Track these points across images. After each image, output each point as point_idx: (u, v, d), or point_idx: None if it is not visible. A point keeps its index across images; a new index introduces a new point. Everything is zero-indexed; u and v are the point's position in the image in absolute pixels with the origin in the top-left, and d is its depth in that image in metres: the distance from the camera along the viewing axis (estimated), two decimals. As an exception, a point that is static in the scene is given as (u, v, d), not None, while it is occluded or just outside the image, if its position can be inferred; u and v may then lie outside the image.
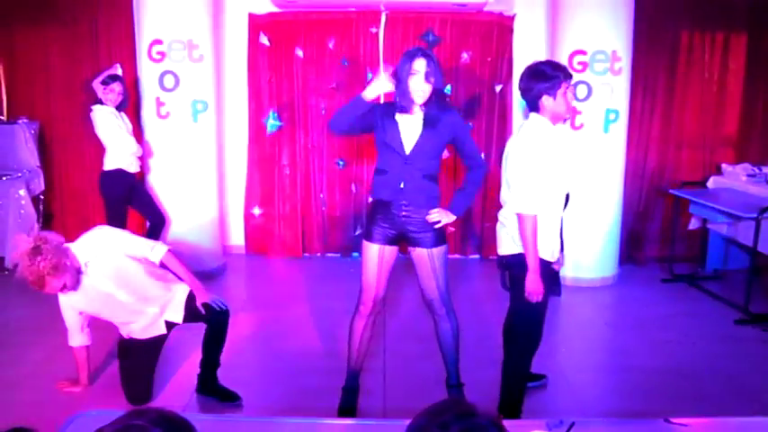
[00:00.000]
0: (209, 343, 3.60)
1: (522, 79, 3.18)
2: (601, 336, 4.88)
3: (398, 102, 3.21)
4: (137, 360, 3.65)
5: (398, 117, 3.25)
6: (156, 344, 3.69)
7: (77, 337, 3.61)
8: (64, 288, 3.28)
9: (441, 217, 3.30)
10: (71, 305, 3.49)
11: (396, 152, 3.26)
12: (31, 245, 3.15)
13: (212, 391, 3.66)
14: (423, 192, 3.29)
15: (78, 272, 3.33)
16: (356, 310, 3.50)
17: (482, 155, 3.49)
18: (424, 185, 3.29)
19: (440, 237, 3.37)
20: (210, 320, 3.56)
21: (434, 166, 3.32)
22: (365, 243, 3.42)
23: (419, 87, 3.15)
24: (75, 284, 3.34)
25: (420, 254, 3.37)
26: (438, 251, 3.36)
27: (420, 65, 3.13)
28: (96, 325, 3.68)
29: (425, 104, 3.21)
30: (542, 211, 3.10)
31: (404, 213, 3.31)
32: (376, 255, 3.39)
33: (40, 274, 3.12)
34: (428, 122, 3.22)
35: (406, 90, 3.17)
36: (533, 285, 3.11)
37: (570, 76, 3.14)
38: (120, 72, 5.43)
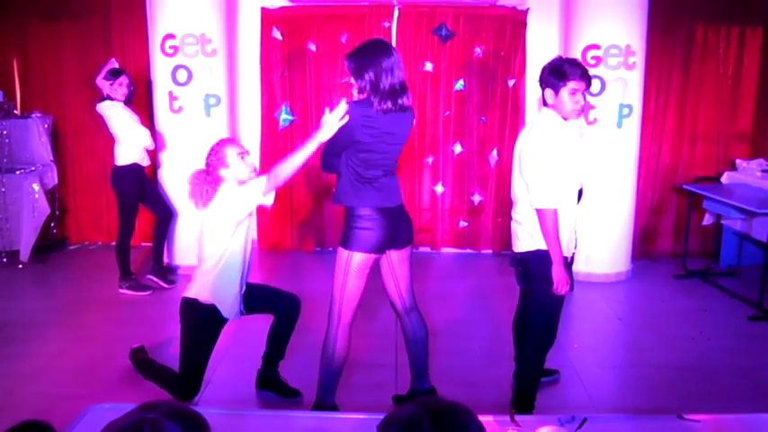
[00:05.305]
0: (277, 335, 3.58)
1: (541, 70, 3.21)
2: (613, 331, 4.85)
3: None
4: (196, 354, 3.36)
5: None
6: (213, 336, 3.43)
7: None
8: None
9: None
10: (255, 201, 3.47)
11: None
12: None
13: (273, 385, 3.63)
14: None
15: None
16: None
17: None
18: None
19: (343, 237, 3.24)
20: (280, 309, 3.58)
21: (338, 164, 3.36)
22: None
23: None
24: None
25: None
26: (338, 251, 3.25)
27: None
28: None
29: None
30: (559, 205, 3.09)
31: None
32: None
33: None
34: None
35: None
36: (560, 277, 3.11)
37: (584, 80, 3.09)
38: (116, 66, 5.37)
